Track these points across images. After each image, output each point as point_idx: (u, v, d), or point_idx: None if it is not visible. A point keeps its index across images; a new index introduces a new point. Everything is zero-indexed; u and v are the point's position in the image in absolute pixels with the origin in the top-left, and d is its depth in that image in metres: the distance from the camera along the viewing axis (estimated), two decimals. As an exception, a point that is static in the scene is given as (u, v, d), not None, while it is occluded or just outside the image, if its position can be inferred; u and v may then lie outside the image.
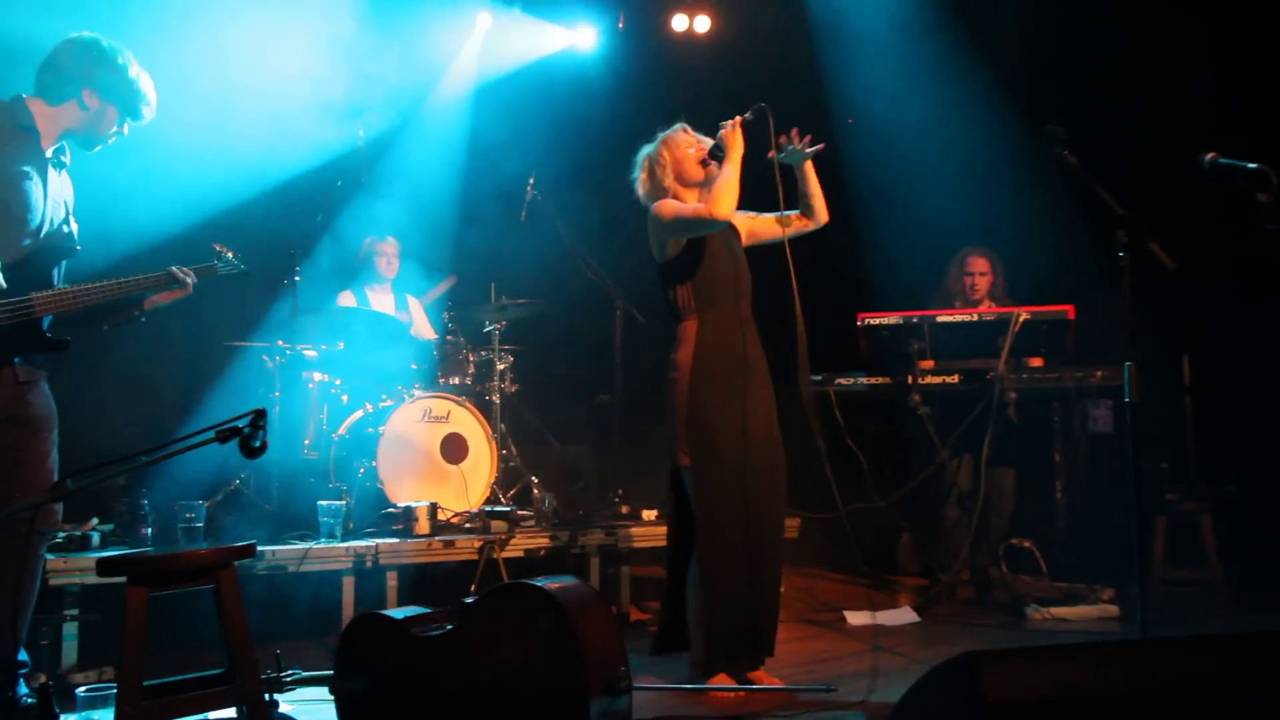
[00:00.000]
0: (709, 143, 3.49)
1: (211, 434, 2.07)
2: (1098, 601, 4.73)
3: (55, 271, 3.06)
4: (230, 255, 3.44)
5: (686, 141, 3.53)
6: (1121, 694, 1.81)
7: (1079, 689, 1.82)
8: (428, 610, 2.74)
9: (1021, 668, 1.85)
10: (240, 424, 2.06)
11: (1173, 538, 5.02)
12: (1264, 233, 3.04)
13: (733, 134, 3.39)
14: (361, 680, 2.71)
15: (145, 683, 2.55)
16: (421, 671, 2.55)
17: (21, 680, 2.99)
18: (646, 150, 3.59)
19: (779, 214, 3.55)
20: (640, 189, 3.59)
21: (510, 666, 2.36)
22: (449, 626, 2.56)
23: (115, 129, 3.17)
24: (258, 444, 2.12)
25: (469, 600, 2.50)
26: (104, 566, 2.68)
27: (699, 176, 3.49)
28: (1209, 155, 3.22)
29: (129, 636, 2.50)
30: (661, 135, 3.57)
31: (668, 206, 3.42)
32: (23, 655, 3.00)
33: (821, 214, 3.63)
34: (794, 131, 3.47)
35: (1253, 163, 3.14)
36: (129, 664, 2.48)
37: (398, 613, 2.72)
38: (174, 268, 3.22)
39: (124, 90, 3.12)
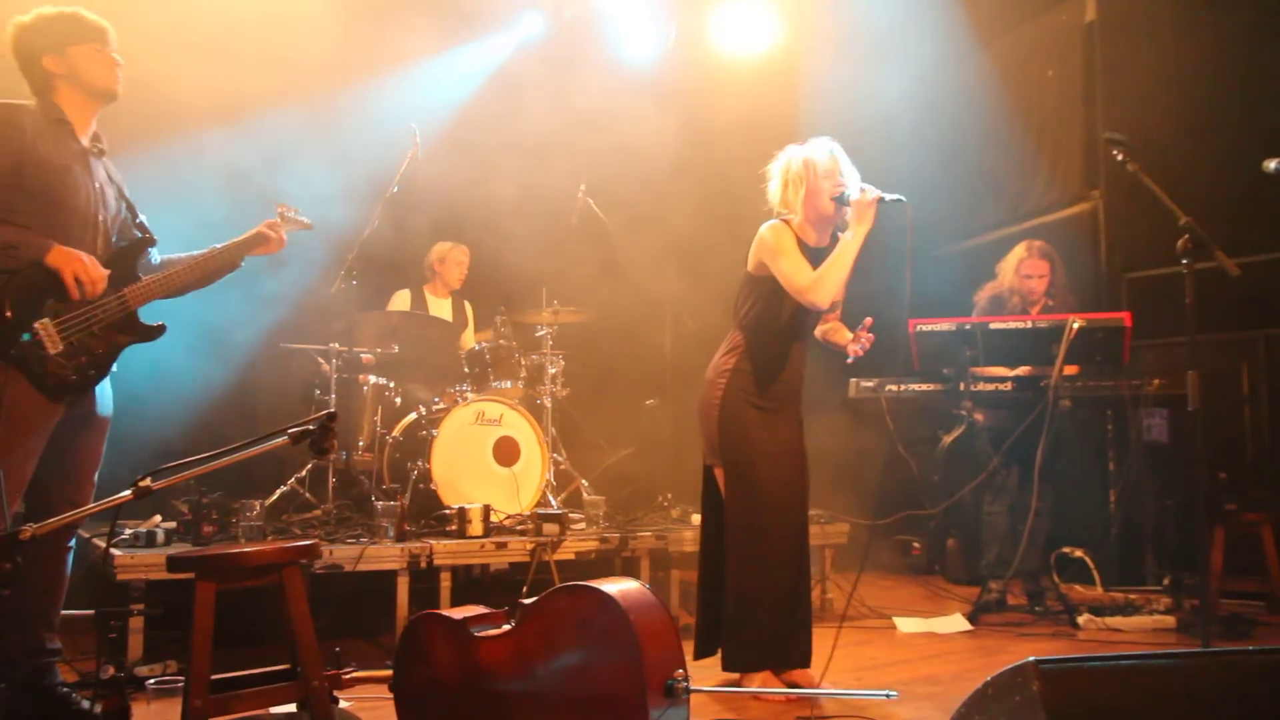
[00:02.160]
0: (847, 183, 3.40)
1: (284, 435, 2.12)
2: (1153, 612, 4.67)
3: (140, 261, 3.16)
4: (294, 212, 3.43)
5: (829, 171, 3.40)
6: (1185, 707, 1.81)
7: (1142, 701, 1.82)
8: (486, 610, 2.78)
9: (1083, 677, 1.85)
10: (312, 426, 2.12)
11: (1231, 549, 4.94)
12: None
13: (867, 207, 3.29)
14: (420, 679, 2.75)
15: (216, 676, 2.62)
16: (481, 671, 2.59)
17: (56, 669, 3.09)
18: (789, 159, 3.47)
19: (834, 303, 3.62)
20: (770, 193, 3.52)
21: (569, 668, 2.39)
22: (508, 627, 2.60)
23: (99, 65, 3.10)
24: (327, 445, 2.17)
25: (528, 601, 2.53)
26: (174, 563, 2.76)
27: (828, 212, 3.42)
28: (1273, 162, 3.18)
29: (197, 632, 2.56)
30: (808, 152, 3.44)
31: (787, 261, 3.34)
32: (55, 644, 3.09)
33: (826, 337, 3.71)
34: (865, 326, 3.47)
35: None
36: (197, 658, 2.54)
37: (456, 613, 2.76)
38: (264, 225, 3.29)
39: (61, 31, 3.06)
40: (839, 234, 3.41)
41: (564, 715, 2.38)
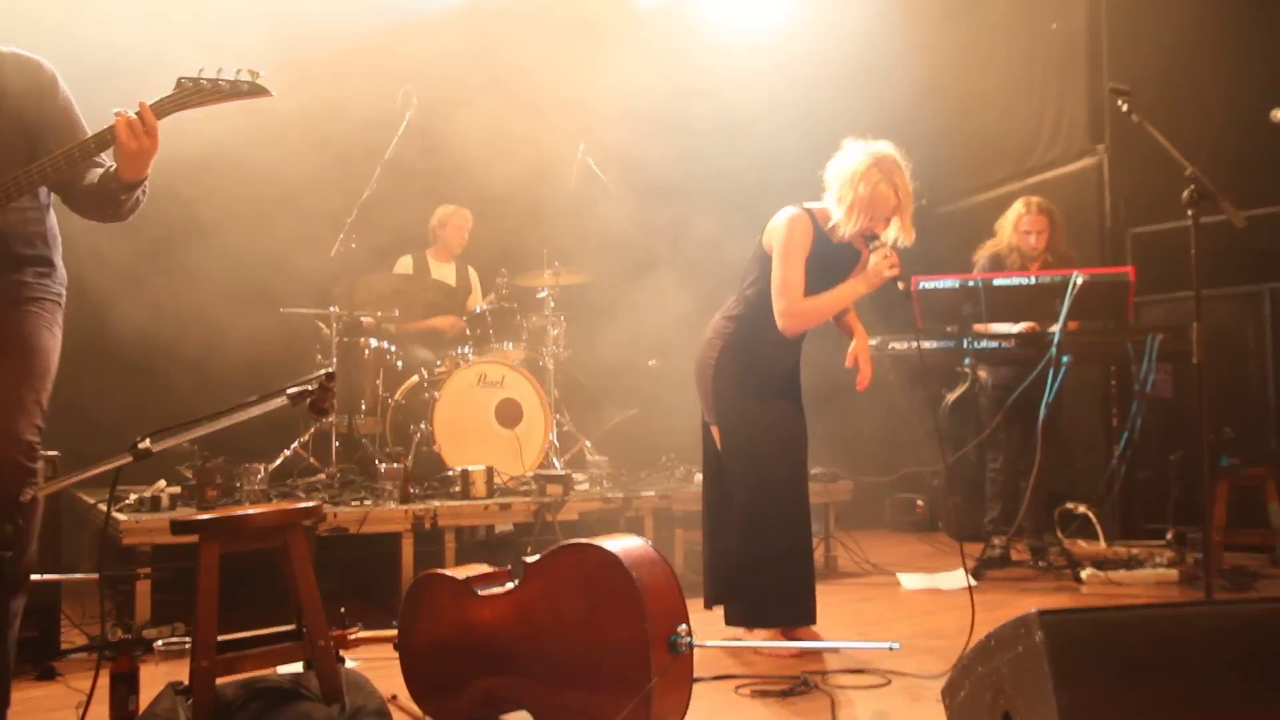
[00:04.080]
0: (887, 229, 3.31)
1: (283, 395, 2.11)
2: (1156, 566, 4.68)
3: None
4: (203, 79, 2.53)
5: (884, 204, 3.23)
6: (1188, 655, 1.81)
7: (1145, 650, 1.82)
8: (490, 569, 2.79)
9: (1086, 628, 1.85)
10: (310, 386, 2.11)
11: (1235, 503, 4.95)
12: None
13: (878, 276, 3.26)
14: (425, 638, 2.76)
15: (220, 638, 2.62)
16: (485, 629, 2.60)
17: None
18: (867, 169, 3.23)
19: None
20: (826, 174, 3.35)
21: (573, 624, 2.39)
22: (511, 585, 2.60)
23: None
24: (326, 405, 2.16)
25: (531, 559, 2.54)
26: (178, 526, 2.76)
27: (858, 244, 3.38)
28: (1280, 111, 3.14)
29: (202, 593, 2.56)
30: (882, 178, 3.22)
31: (786, 266, 3.30)
32: None
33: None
34: (863, 367, 3.49)
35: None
36: (203, 619, 2.55)
37: (460, 572, 2.77)
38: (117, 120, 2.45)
39: None
40: (871, 246, 3.31)
41: (568, 671, 2.39)
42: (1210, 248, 5.03)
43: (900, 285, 3.24)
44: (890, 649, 2.41)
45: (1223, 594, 4.16)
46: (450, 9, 5.67)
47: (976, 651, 2.06)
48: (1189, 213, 3.03)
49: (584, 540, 2.43)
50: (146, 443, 2.05)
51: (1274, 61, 5.71)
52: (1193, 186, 2.99)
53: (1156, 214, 5.70)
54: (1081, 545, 5.57)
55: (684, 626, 2.28)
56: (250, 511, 2.75)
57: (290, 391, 2.12)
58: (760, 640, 3.33)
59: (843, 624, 3.79)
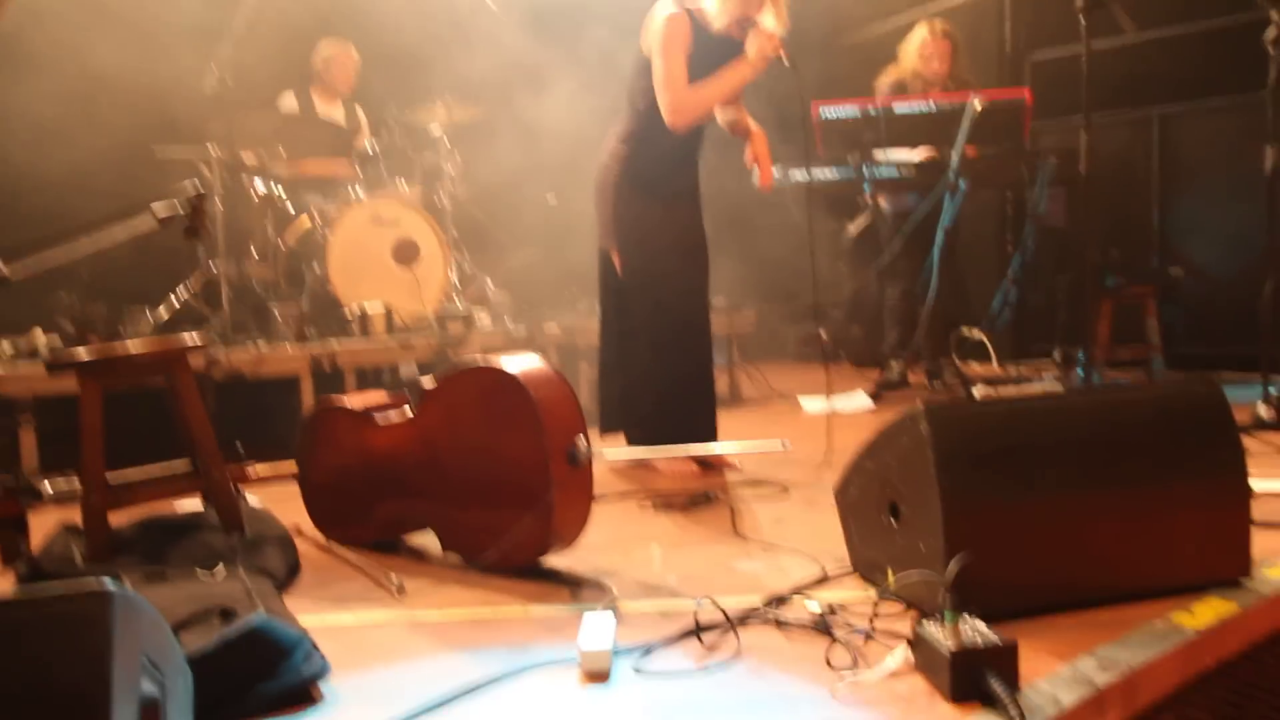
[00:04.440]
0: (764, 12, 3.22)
1: (150, 216, 1.99)
2: (1042, 382, 4.88)
3: None
4: None
5: None
6: (1058, 436, 1.90)
7: (1021, 435, 1.90)
8: (387, 397, 2.75)
9: (968, 418, 1.92)
10: (180, 207, 1.98)
11: (1119, 321, 5.15)
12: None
13: (763, 58, 3.18)
14: (325, 468, 2.74)
15: (110, 478, 2.56)
16: (386, 456, 2.58)
17: None
18: None
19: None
20: None
21: (472, 445, 2.38)
22: (410, 411, 2.57)
23: None
24: (199, 225, 2.05)
25: (427, 385, 2.50)
26: (54, 366, 2.65)
27: (735, 32, 3.25)
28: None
29: (85, 430, 2.48)
30: None
31: (667, 64, 3.20)
32: None
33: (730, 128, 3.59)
34: (762, 166, 3.40)
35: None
36: (88, 456, 2.48)
37: (356, 401, 2.73)
38: None
39: None
40: (747, 28, 3.24)
41: (470, 489, 2.39)
42: (1103, 74, 5.07)
43: (785, 62, 3.21)
44: (782, 448, 2.47)
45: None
46: None
47: (866, 449, 2.12)
48: (1081, 20, 3.01)
49: (479, 361, 2.40)
50: (1, 267, 1.91)
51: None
52: (1083, -14, 2.96)
53: (1056, 38, 5.70)
54: (975, 367, 5.76)
55: (582, 438, 2.29)
56: (130, 348, 2.64)
57: (159, 212, 1.99)
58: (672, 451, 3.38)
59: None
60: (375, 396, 2.78)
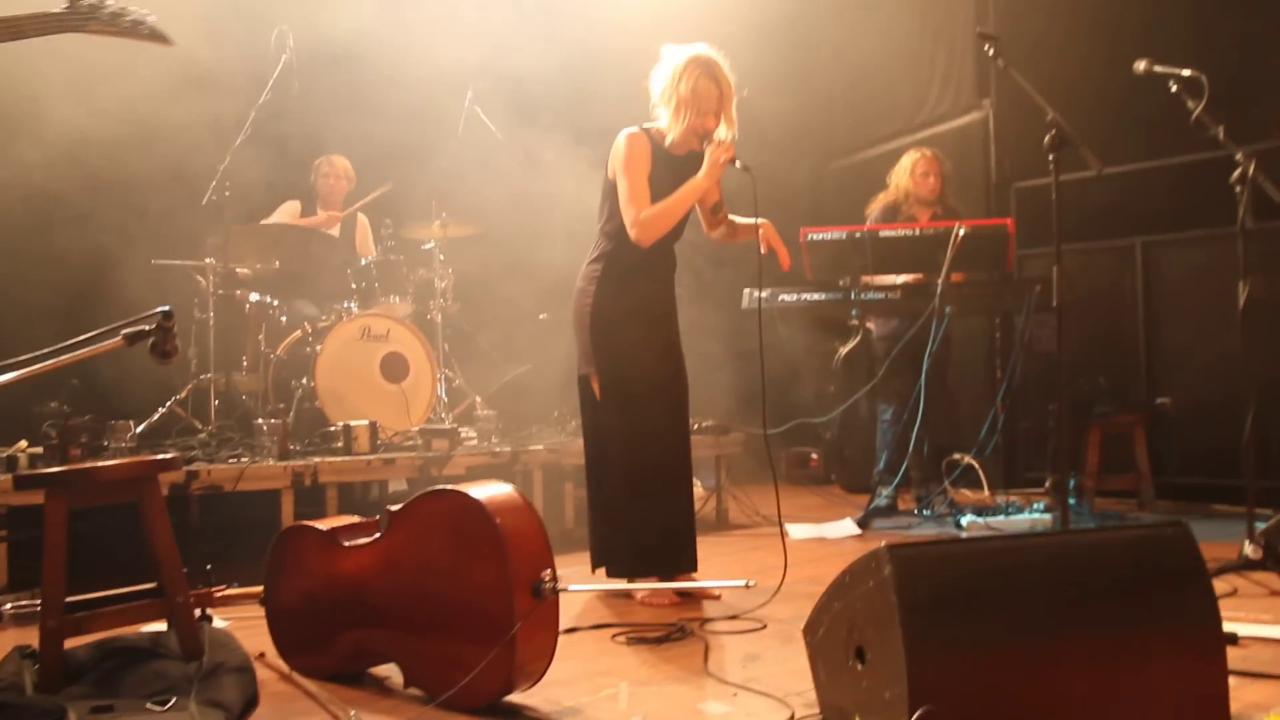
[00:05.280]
0: (721, 125, 3.32)
1: (118, 335, 2.00)
2: (1033, 512, 4.83)
3: None
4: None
5: (707, 98, 3.26)
6: (1021, 581, 1.87)
7: (985, 580, 1.87)
8: (357, 520, 2.72)
9: (931, 560, 1.89)
10: (147, 325, 1.99)
11: (1108, 450, 5.12)
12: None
13: (718, 166, 3.27)
14: (291, 592, 2.69)
15: (71, 598, 2.51)
16: (351, 581, 2.53)
17: None
18: (681, 77, 3.28)
19: (716, 205, 3.55)
20: (654, 94, 3.38)
21: (437, 572, 2.34)
22: (377, 535, 2.54)
23: None
24: (169, 348, 2.05)
25: (395, 507, 2.47)
26: (21, 481, 2.63)
27: (695, 145, 3.35)
28: (1142, 62, 3.20)
29: (49, 549, 2.44)
30: (699, 77, 3.26)
31: (629, 183, 3.29)
32: None
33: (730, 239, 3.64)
34: (776, 248, 3.43)
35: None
36: (50, 577, 2.43)
37: (325, 524, 2.69)
38: None
39: None
40: (705, 145, 3.33)
41: (433, 620, 2.34)
42: (1087, 202, 5.19)
43: (738, 166, 3.27)
44: (746, 586, 2.43)
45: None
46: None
47: (833, 589, 2.08)
48: (1050, 157, 3.08)
49: (446, 487, 2.38)
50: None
51: (1152, 23, 5.85)
52: (1053, 131, 3.04)
53: (1039, 169, 5.81)
54: (966, 494, 5.72)
55: (548, 572, 2.26)
56: (101, 464, 2.62)
57: (126, 332, 2.00)
58: (635, 593, 3.33)
59: (728, 573, 3.81)
60: (346, 519, 2.75)
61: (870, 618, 1.90)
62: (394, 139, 5.45)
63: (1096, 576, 1.91)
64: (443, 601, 2.33)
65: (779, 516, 3.49)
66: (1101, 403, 5.10)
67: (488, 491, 2.34)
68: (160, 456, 2.67)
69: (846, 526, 4.76)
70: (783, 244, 3.49)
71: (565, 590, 2.26)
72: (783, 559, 3.30)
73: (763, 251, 3.48)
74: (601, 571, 3.43)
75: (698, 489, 5.34)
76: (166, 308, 1.98)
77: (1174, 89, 3.11)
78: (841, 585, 2.04)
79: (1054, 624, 1.84)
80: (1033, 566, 1.90)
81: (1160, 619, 1.91)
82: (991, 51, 3.16)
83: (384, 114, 5.27)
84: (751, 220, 3.52)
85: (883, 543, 1.85)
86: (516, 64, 5.62)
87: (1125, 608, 1.90)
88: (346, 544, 2.57)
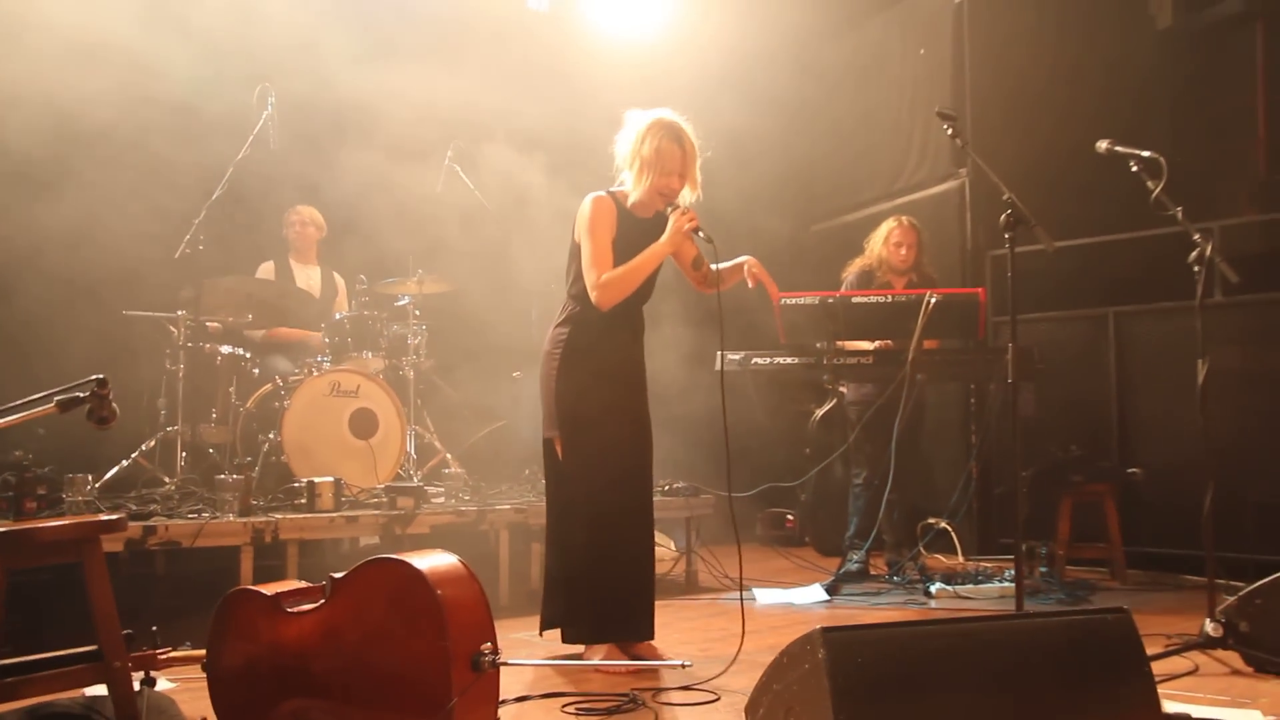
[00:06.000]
0: (683, 193, 3.35)
1: (51, 402, 1.98)
2: (1003, 580, 4.79)
3: None
4: None
5: (670, 159, 3.28)
6: (955, 667, 1.84)
7: (917, 666, 1.84)
8: (303, 585, 2.68)
9: (866, 645, 1.86)
10: (81, 393, 1.98)
11: (1079, 518, 5.11)
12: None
13: (680, 234, 3.28)
14: (233, 658, 2.64)
15: (4, 661, 2.46)
16: (292, 647, 2.49)
17: None
18: (645, 140, 3.31)
19: (696, 260, 3.56)
20: (618, 157, 3.42)
21: (376, 642, 2.31)
22: (321, 601, 2.50)
23: None
24: (106, 414, 2.04)
25: (339, 575, 2.44)
26: (-40, 540, 2.59)
27: (660, 206, 3.36)
28: (1104, 143, 3.24)
29: (-18, 613, 2.40)
30: (661, 141, 3.29)
31: (592, 246, 3.31)
32: None
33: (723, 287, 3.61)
34: (765, 282, 3.45)
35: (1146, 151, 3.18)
36: (-18, 640, 2.39)
37: (270, 588, 2.65)
38: None
39: None
40: (669, 211, 3.33)
41: (373, 691, 2.30)
42: (1062, 271, 5.22)
43: (700, 235, 3.28)
44: (683, 666, 2.39)
45: (1053, 607, 4.29)
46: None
47: (773, 668, 2.06)
48: (1006, 237, 3.10)
49: (389, 555, 2.35)
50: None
51: (1125, 95, 5.96)
52: (1008, 211, 3.07)
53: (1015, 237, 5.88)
54: (940, 560, 5.68)
55: (488, 645, 2.22)
56: (40, 525, 2.59)
57: (59, 399, 1.99)
58: (599, 659, 3.27)
59: (688, 640, 3.77)
60: (291, 584, 2.71)
61: (805, 701, 1.87)
62: (372, 195, 5.47)
63: (1036, 664, 1.88)
64: (383, 672, 2.29)
65: (740, 583, 3.43)
66: (1074, 471, 5.09)
67: (430, 562, 2.31)
68: (104, 517, 2.63)
69: (815, 593, 4.72)
70: (770, 277, 3.49)
71: (505, 665, 2.22)
72: (745, 625, 3.25)
73: (750, 285, 3.50)
74: (552, 634, 3.38)
75: (668, 550, 5.30)
76: (100, 376, 1.97)
77: (1134, 169, 3.14)
78: (780, 666, 2.01)
79: (990, 712, 1.81)
80: (970, 653, 1.88)
81: (1100, 707, 1.88)
82: (950, 131, 3.20)
83: (362, 171, 5.30)
84: (736, 260, 3.53)
85: (817, 626, 1.83)
86: (497, 123, 5.68)
87: (1064, 696, 1.87)
88: (290, 610, 2.53)
